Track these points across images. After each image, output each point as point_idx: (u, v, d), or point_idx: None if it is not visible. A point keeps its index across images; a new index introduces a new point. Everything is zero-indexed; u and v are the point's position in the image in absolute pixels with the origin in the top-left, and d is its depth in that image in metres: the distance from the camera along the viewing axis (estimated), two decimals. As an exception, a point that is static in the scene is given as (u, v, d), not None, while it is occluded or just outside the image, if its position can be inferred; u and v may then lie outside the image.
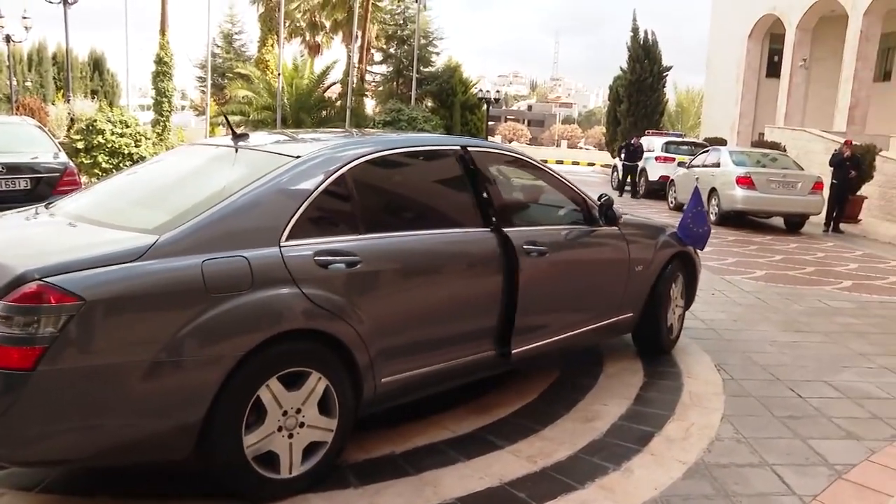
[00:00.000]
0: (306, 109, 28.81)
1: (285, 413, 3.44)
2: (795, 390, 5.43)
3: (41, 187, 8.80)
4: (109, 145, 16.76)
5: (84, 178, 15.23)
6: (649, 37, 35.36)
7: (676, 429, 4.57)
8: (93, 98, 29.79)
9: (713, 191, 16.43)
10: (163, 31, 24.45)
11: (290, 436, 3.47)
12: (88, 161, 16.57)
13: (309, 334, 3.53)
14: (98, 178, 14.88)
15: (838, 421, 4.86)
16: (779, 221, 16.95)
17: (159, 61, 23.50)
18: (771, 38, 32.28)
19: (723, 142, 26.79)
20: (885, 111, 26.07)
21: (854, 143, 17.91)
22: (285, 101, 27.44)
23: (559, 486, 3.78)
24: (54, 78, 40.99)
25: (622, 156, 24.05)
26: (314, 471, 3.58)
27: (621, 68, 36.74)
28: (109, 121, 16.99)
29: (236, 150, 4.22)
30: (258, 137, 4.61)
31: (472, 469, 3.91)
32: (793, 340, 6.86)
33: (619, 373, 5.55)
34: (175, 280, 3.15)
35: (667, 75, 35.85)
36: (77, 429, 2.97)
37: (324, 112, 30.27)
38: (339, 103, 30.31)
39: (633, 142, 23.74)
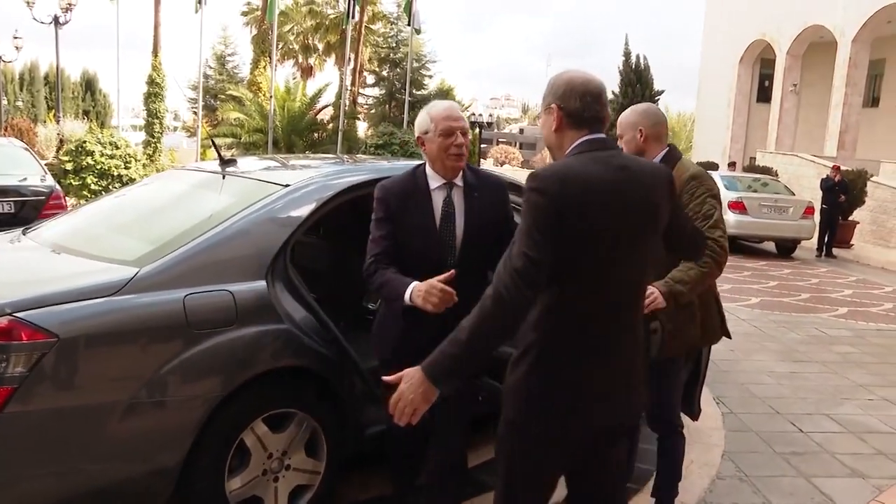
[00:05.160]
0: (298, 132, 28.68)
1: (270, 456, 3.28)
2: (797, 424, 5.29)
3: (26, 210, 8.60)
4: (99, 167, 16.60)
5: (72, 200, 15.05)
6: (641, 61, 35.39)
7: (676, 467, 4.42)
8: (84, 118, 29.61)
9: (706, 215, 16.30)
10: (155, 52, 24.27)
11: (276, 479, 3.32)
12: (77, 182, 16.42)
13: (296, 373, 3.37)
14: (86, 200, 14.68)
15: (842, 457, 4.72)
16: (771, 246, 16.89)
17: (151, 82, 23.35)
18: (761, 63, 32.38)
19: (714, 166, 26.77)
20: (874, 136, 26.18)
21: (844, 168, 17.92)
22: (277, 123, 27.31)
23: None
24: (46, 98, 40.84)
25: None
26: (301, 515, 3.41)
27: (613, 92, 36.64)
28: (99, 142, 16.83)
29: (223, 177, 4.08)
30: (246, 163, 4.47)
31: (466, 511, 3.75)
32: (791, 371, 6.73)
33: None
34: (155, 316, 3.00)
35: (658, 99, 35.80)
36: (47, 474, 2.79)
37: (315, 135, 30.14)
38: (331, 126, 30.16)
39: None
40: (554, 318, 2.20)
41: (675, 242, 2.54)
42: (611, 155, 2.25)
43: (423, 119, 3.12)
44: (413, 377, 2.14)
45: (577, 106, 2.26)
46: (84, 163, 16.60)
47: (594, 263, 2.16)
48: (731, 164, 26.12)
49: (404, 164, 5.11)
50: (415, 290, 2.81)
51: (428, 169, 3.12)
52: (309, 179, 3.76)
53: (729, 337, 3.71)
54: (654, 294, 2.97)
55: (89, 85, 44.19)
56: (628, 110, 3.52)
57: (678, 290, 3.05)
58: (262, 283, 3.30)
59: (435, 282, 2.77)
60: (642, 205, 2.22)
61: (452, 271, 2.79)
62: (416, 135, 3.15)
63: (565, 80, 2.31)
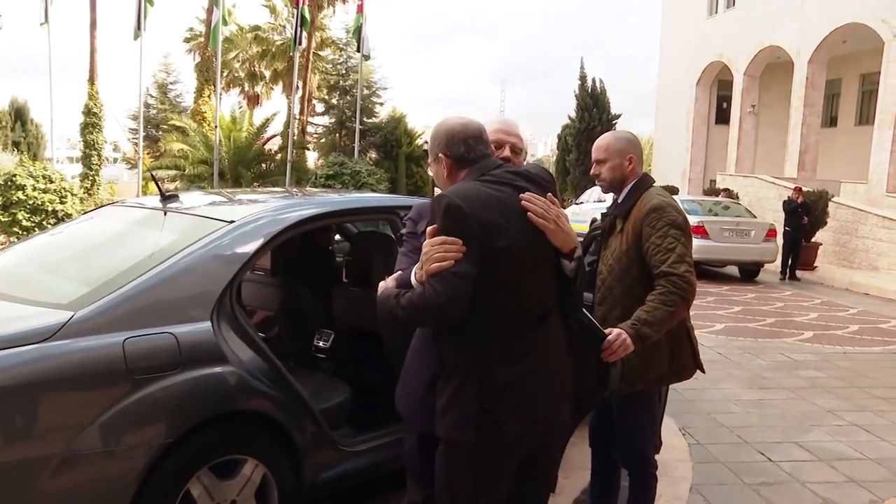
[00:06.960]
0: (245, 163, 27.77)
1: (218, 506, 3.10)
2: (765, 454, 5.20)
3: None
4: (31, 202, 15.69)
5: (1, 238, 14.50)
6: (597, 85, 35.44)
7: (645, 502, 4.29)
8: (14, 150, 28.45)
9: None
10: (91, 80, 23.03)
11: (224, 531, 3.13)
12: (7, 219, 15.49)
13: (244, 417, 3.21)
14: (17, 239, 14.10)
15: (813, 486, 4.63)
16: (734, 270, 16.92)
17: (88, 112, 22.28)
18: (719, 85, 32.60)
19: (675, 190, 26.80)
20: (834, 156, 26.47)
21: (805, 189, 18.02)
22: (223, 154, 26.27)
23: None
24: (-31, 129, 38.76)
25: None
26: (251, 569, 3.23)
27: (569, 117, 36.61)
28: (31, 175, 15.90)
29: (165, 214, 3.91)
30: (190, 198, 4.30)
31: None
32: (758, 398, 6.65)
33: (580, 442, 5.26)
34: (92, 362, 2.83)
35: (616, 123, 35.78)
36: (-28, 539, 2.60)
37: (263, 166, 29.27)
38: (279, 156, 29.29)
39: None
40: (474, 335, 2.31)
41: None
42: (498, 174, 2.43)
43: None
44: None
45: (462, 150, 2.47)
46: (14, 198, 15.59)
47: (504, 277, 2.29)
48: (725, 191, 23.69)
49: (356, 198, 4.99)
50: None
51: None
52: (255, 214, 3.61)
53: (703, 371, 3.60)
54: (622, 338, 2.86)
55: (19, 114, 41.70)
56: (612, 137, 3.46)
57: (645, 333, 2.95)
58: (206, 325, 3.14)
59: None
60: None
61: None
62: None
63: (445, 129, 2.52)
